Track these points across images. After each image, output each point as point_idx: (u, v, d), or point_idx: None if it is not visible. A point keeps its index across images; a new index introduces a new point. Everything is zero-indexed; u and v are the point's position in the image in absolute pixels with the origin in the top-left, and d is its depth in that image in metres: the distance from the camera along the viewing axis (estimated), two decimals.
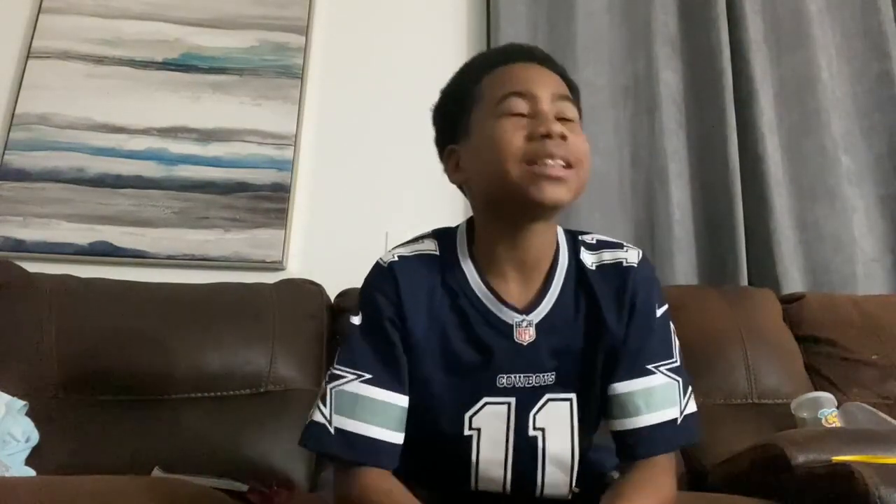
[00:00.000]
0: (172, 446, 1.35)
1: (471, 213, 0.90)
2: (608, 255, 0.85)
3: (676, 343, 0.85)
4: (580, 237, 0.87)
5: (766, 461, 1.12)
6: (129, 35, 2.00)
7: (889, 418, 1.40)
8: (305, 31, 2.05)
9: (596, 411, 0.84)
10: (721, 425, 1.51)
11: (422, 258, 0.84)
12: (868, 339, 1.65)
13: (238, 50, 2.02)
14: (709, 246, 1.99)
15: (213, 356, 1.46)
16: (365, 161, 1.99)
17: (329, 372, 0.81)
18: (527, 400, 0.80)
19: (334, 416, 0.77)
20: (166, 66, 1.99)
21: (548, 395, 0.80)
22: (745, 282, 1.90)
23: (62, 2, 2.00)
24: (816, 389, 1.57)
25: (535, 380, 0.80)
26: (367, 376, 0.78)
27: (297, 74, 2.01)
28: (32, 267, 1.58)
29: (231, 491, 1.19)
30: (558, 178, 0.75)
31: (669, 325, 0.85)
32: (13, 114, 1.89)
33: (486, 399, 0.80)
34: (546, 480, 0.81)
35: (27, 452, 1.24)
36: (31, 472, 1.19)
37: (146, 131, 1.93)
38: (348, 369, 0.79)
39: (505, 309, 0.81)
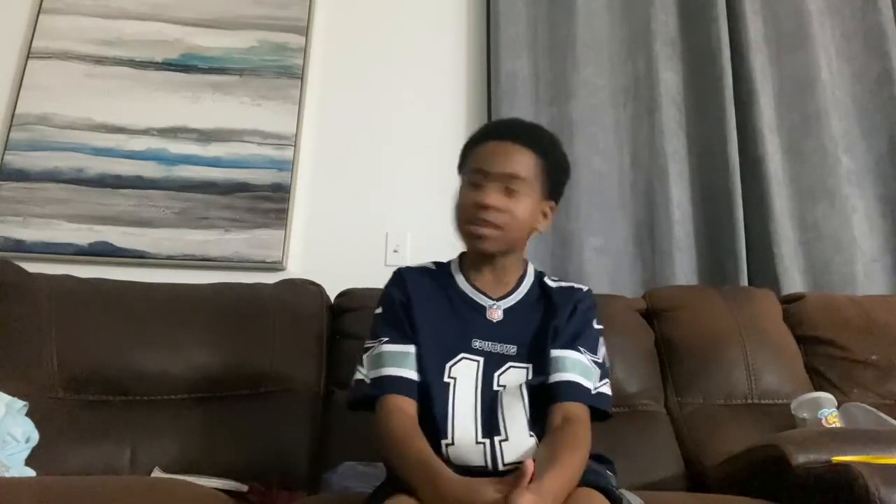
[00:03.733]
0: (172, 446, 1.35)
1: None
2: (565, 284, 1.19)
3: (603, 352, 1.14)
4: (545, 275, 1.20)
5: (766, 461, 1.12)
6: (129, 35, 2.01)
7: (889, 418, 1.40)
8: (305, 31, 2.05)
9: (546, 377, 1.07)
10: (721, 425, 1.51)
11: (423, 269, 1.19)
12: (868, 339, 1.65)
13: (238, 50, 2.03)
14: (709, 246, 1.99)
15: (213, 356, 1.47)
16: (365, 161, 1.99)
17: (364, 346, 1.12)
18: (493, 362, 1.07)
19: (370, 372, 1.07)
20: (166, 66, 1.99)
21: (510, 363, 1.08)
22: (745, 282, 1.90)
23: (62, 2, 2.01)
24: (816, 389, 1.57)
25: (499, 348, 1.08)
26: (386, 339, 1.09)
27: (297, 74, 2.01)
28: (32, 267, 1.58)
29: (231, 491, 1.19)
30: (481, 236, 1.09)
31: (600, 339, 1.15)
32: (13, 114, 1.90)
33: (462, 355, 1.07)
34: (507, 418, 1.02)
35: (27, 452, 1.24)
36: (31, 473, 1.19)
37: (146, 131, 1.93)
38: (373, 341, 1.10)
39: (480, 295, 1.14)
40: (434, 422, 1.02)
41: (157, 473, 1.27)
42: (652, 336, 1.67)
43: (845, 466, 0.97)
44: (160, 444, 1.35)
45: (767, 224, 1.95)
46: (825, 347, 1.67)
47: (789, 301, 1.78)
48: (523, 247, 1.18)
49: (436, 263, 1.20)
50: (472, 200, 1.09)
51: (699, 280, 1.95)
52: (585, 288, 1.19)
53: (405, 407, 1.03)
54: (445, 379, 1.05)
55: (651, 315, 1.71)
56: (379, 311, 1.15)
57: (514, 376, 1.06)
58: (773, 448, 1.11)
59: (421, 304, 1.11)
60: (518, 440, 1.01)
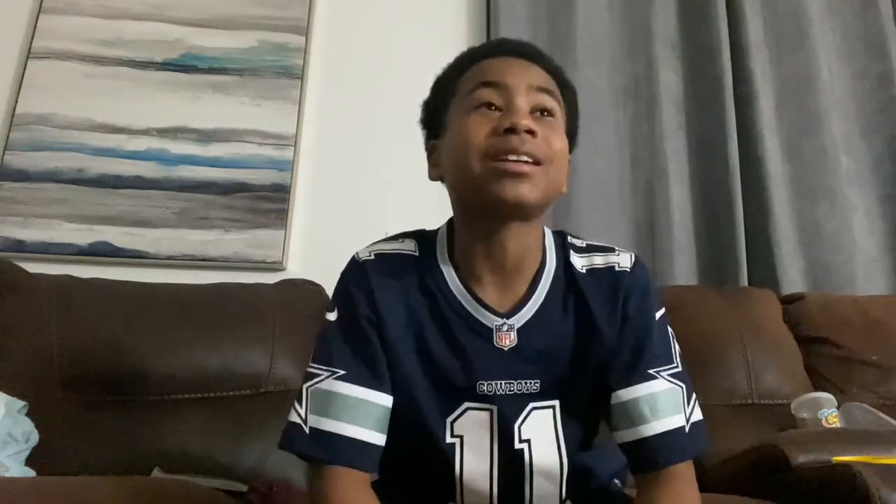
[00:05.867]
0: (172, 446, 1.35)
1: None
2: (599, 259, 0.82)
3: (676, 348, 0.81)
4: (569, 239, 0.85)
5: (767, 461, 1.12)
6: (129, 35, 2.00)
7: (889, 418, 1.40)
8: (305, 31, 2.05)
9: (583, 419, 0.81)
10: (721, 426, 1.50)
11: (399, 257, 0.82)
12: (868, 339, 1.65)
13: (238, 50, 2.02)
14: (709, 246, 1.99)
15: (213, 356, 1.46)
16: (365, 161, 1.99)
17: (306, 371, 0.78)
18: (510, 409, 0.77)
19: (310, 416, 0.74)
20: (166, 66, 1.99)
21: (532, 404, 0.78)
22: (745, 282, 1.90)
23: (62, 2, 2.00)
24: (816, 389, 1.57)
25: (517, 387, 0.77)
26: (341, 373, 0.75)
27: (297, 75, 2.01)
28: (32, 267, 1.58)
29: (231, 491, 1.19)
30: (521, 173, 0.72)
31: (668, 330, 0.82)
32: (13, 114, 1.89)
33: (467, 404, 0.77)
34: (535, 494, 0.78)
35: (27, 452, 1.23)
36: (31, 473, 1.19)
37: (146, 131, 1.93)
38: (322, 367, 0.76)
39: (484, 312, 0.79)
40: (436, 483, 0.78)
41: (157, 473, 1.27)
42: None
43: (845, 466, 0.97)
44: (160, 444, 1.35)
45: (767, 224, 1.95)
46: (825, 347, 1.67)
47: (789, 301, 1.78)
48: (543, 212, 0.81)
49: (417, 240, 0.84)
50: (494, 125, 0.74)
51: (699, 280, 1.95)
52: (628, 263, 0.81)
53: (358, 486, 0.73)
54: (448, 439, 0.77)
55: None
56: (332, 317, 0.79)
57: (539, 423, 0.78)
58: (773, 448, 1.10)
59: (397, 324, 0.77)
60: None
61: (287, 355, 1.50)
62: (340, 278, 0.83)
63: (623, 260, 0.82)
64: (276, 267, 1.85)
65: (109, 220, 1.84)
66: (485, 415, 0.77)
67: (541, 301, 0.79)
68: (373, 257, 0.82)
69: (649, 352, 0.78)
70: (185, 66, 2.00)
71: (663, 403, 0.76)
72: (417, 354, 0.77)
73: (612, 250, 0.84)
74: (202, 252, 1.84)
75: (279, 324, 1.53)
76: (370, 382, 0.75)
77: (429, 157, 0.87)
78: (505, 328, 0.78)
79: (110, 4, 2.02)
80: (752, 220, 1.97)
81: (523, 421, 0.77)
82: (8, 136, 1.88)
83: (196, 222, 1.86)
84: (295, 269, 1.87)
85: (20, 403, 1.28)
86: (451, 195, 0.84)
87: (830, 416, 1.40)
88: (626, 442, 0.76)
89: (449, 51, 0.91)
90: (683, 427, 0.75)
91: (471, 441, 0.77)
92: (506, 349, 0.77)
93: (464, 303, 0.79)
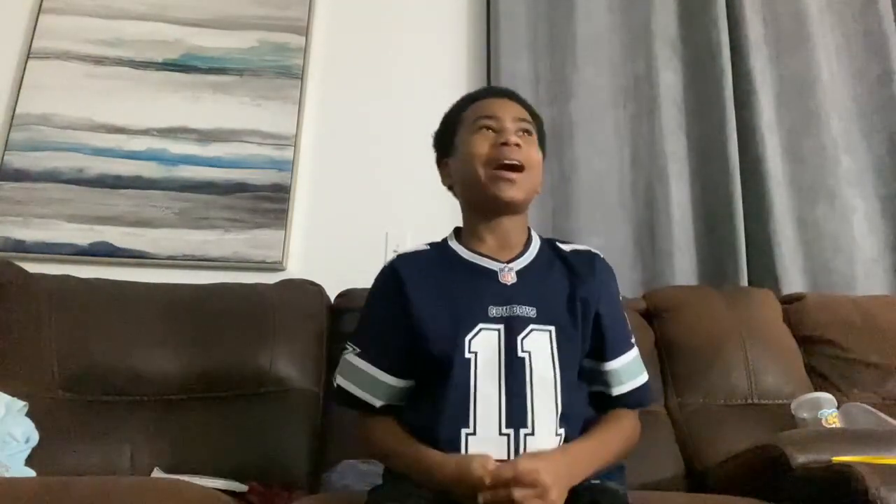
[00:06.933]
0: (172, 446, 1.35)
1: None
2: (579, 247, 1.13)
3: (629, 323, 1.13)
4: (553, 239, 1.14)
5: (767, 462, 1.12)
6: (129, 35, 2.01)
7: (889, 418, 1.40)
8: (305, 31, 2.05)
9: (573, 348, 1.02)
10: (721, 425, 1.51)
11: (418, 252, 1.11)
12: (868, 340, 1.65)
13: (238, 50, 2.03)
14: (709, 246, 1.99)
15: (213, 356, 1.47)
16: (365, 161, 1.99)
17: (350, 335, 1.09)
18: (514, 327, 0.99)
19: (337, 377, 1.06)
20: (166, 66, 1.99)
21: (532, 326, 1.00)
22: (745, 282, 1.90)
23: (62, 2, 2.01)
24: (816, 390, 1.56)
25: (518, 311, 1.00)
26: (358, 350, 1.05)
27: (297, 75, 2.01)
28: (32, 267, 1.58)
29: (231, 491, 1.19)
30: (511, 180, 1.04)
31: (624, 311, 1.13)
32: (13, 114, 1.90)
33: (481, 325, 0.99)
34: (535, 404, 0.95)
35: (27, 453, 1.24)
36: (31, 473, 1.19)
37: (146, 131, 1.93)
38: (351, 344, 1.07)
39: (489, 261, 1.06)
40: (453, 408, 0.95)
41: (157, 473, 1.27)
42: (652, 336, 1.67)
43: (845, 466, 0.97)
44: (160, 444, 1.35)
45: (767, 224, 1.94)
46: (825, 347, 1.67)
47: (789, 301, 1.78)
48: (527, 206, 1.12)
49: (430, 244, 1.13)
50: (491, 142, 1.05)
51: (699, 280, 1.94)
52: (600, 253, 1.13)
53: (392, 426, 1.00)
54: (466, 355, 0.97)
55: (651, 315, 1.71)
56: (365, 310, 1.10)
57: (537, 341, 0.99)
58: (773, 448, 1.10)
59: (425, 290, 1.03)
60: (545, 438, 0.94)
61: (287, 355, 1.50)
62: (374, 282, 1.11)
63: (597, 252, 1.13)
64: (276, 267, 1.85)
65: (109, 220, 1.84)
66: (494, 334, 0.99)
67: (532, 257, 1.07)
68: (397, 258, 1.10)
69: (625, 329, 1.09)
70: (185, 66, 2.00)
71: (636, 366, 1.08)
72: (441, 298, 1.02)
73: (588, 247, 1.15)
74: (202, 252, 1.84)
75: (279, 324, 1.53)
76: (379, 363, 1.03)
77: (441, 171, 1.17)
78: (506, 270, 1.04)
79: (110, 4, 2.03)
80: (752, 220, 1.97)
81: (525, 336, 0.99)
82: (8, 136, 1.88)
83: (196, 222, 1.86)
84: (295, 269, 1.87)
85: (20, 403, 1.28)
86: (460, 196, 1.13)
87: (830, 416, 1.40)
88: (613, 395, 1.05)
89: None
90: (647, 382, 1.08)
91: (483, 356, 0.97)
92: (508, 284, 1.03)
93: (472, 260, 1.07)
